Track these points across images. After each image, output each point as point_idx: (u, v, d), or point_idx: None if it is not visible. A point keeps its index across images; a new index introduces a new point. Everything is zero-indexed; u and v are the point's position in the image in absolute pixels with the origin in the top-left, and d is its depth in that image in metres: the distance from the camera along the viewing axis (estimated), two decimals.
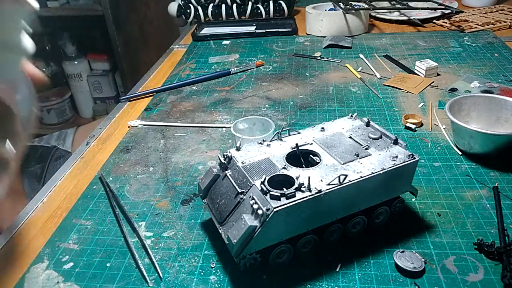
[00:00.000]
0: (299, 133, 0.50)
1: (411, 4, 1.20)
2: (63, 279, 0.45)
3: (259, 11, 1.22)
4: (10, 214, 0.59)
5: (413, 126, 0.66)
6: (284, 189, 0.40)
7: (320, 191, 0.40)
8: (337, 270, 0.43)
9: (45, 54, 2.00)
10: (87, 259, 0.47)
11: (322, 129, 0.51)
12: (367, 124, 0.50)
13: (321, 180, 0.42)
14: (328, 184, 0.41)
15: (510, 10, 1.17)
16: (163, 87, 0.88)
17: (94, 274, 0.45)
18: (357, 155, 0.45)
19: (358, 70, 0.88)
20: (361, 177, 0.42)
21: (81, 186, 0.60)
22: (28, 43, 0.37)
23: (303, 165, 0.46)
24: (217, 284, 0.43)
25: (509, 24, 1.07)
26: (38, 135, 1.33)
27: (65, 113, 2.15)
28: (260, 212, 0.39)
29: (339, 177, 0.41)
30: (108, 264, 0.46)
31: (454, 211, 0.50)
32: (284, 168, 0.44)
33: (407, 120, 0.67)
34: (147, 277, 0.44)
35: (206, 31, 1.17)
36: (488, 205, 0.50)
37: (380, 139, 0.48)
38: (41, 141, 1.04)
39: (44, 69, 2.08)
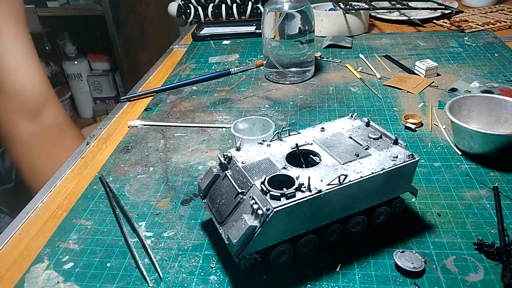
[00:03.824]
0: (299, 133, 0.50)
1: (411, 4, 1.20)
2: (63, 279, 0.45)
3: (259, 11, 1.22)
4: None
5: (413, 126, 0.66)
6: (284, 189, 0.40)
7: (320, 191, 0.40)
8: (337, 270, 0.43)
9: (45, 54, 2.00)
10: (87, 259, 0.47)
11: (322, 129, 0.51)
12: (367, 124, 0.50)
13: (321, 180, 0.42)
14: (328, 184, 0.41)
15: (510, 10, 1.17)
16: (163, 87, 0.88)
17: (94, 274, 0.45)
18: (357, 155, 0.45)
19: (358, 70, 0.88)
20: (361, 177, 0.42)
21: (81, 186, 0.60)
22: None
23: (303, 165, 0.46)
24: (217, 284, 0.43)
25: (509, 24, 1.07)
26: None
27: None
28: (260, 212, 0.39)
29: (339, 177, 0.41)
30: (108, 264, 0.46)
31: (454, 211, 0.50)
32: (284, 168, 0.44)
33: (407, 120, 0.67)
34: (147, 277, 0.44)
35: (206, 31, 1.17)
36: (488, 205, 0.50)
37: (380, 139, 0.48)
38: None
39: (44, 69, 2.08)
